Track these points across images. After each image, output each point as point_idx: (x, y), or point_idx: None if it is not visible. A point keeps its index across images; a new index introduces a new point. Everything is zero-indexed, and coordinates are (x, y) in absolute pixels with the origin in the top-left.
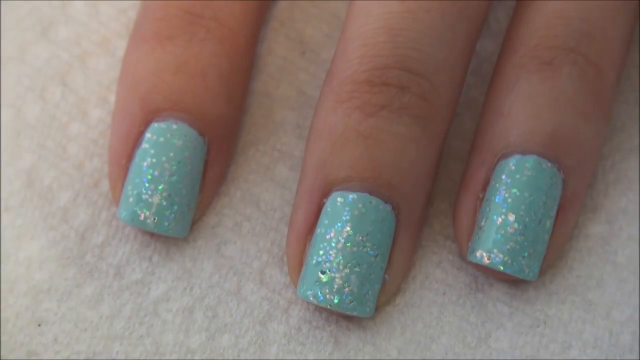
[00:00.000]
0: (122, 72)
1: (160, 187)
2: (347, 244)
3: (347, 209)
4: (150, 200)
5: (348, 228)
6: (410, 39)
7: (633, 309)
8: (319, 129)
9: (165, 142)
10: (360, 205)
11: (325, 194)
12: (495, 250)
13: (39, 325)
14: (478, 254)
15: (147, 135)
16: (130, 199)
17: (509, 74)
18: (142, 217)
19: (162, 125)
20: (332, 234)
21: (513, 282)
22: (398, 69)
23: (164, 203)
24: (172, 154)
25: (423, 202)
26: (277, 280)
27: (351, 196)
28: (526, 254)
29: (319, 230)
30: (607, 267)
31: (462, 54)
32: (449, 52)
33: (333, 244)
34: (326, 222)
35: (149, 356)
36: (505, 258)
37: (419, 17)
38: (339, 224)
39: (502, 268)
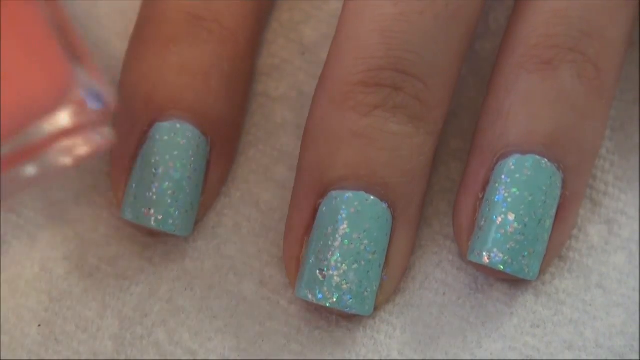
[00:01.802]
0: (123, 73)
1: (164, 185)
2: (345, 242)
3: (343, 207)
4: (154, 198)
5: (345, 226)
6: (404, 41)
7: (633, 309)
8: (313, 130)
9: (169, 141)
10: (356, 203)
11: (321, 194)
12: (495, 250)
13: (39, 325)
14: (478, 253)
15: (151, 134)
16: (135, 198)
17: (508, 74)
18: (146, 215)
19: (166, 124)
20: (329, 233)
21: (513, 282)
22: (392, 70)
23: (169, 201)
24: (176, 153)
25: (419, 200)
26: (277, 280)
27: (347, 195)
28: (526, 254)
29: (316, 230)
30: (607, 267)
31: (455, 55)
32: (442, 54)
33: (330, 243)
34: (323, 221)
35: (149, 356)
36: (505, 257)
37: (412, 19)
38: (335, 223)
39: (502, 267)
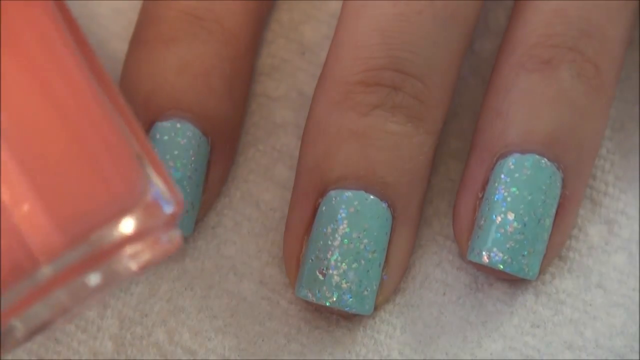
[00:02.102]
0: (124, 73)
1: None
2: (344, 241)
3: (343, 206)
4: None
5: (344, 225)
6: (403, 41)
7: (633, 309)
8: (313, 129)
9: (169, 141)
10: (356, 203)
11: (320, 193)
12: (495, 249)
13: None
14: (477, 253)
15: (151, 134)
16: None
17: (507, 74)
18: None
19: (166, 124)
20: (328, 233)
21: (513, 282)
22: (391, 70)
23: None
24: (176, 152)
25: (418, 200)
26: (277, 280)
27: (346, 194)
28: (526, 253)
29: (316, 229)
30: (607, 267)
31: (454, 54)
32: (441, 53)
33: (330, 242)
34: (322, 221)
35: (149, 357)
36: (505, 257)
37: (411, 19)
38: (335, 222)
39: (501, 267)
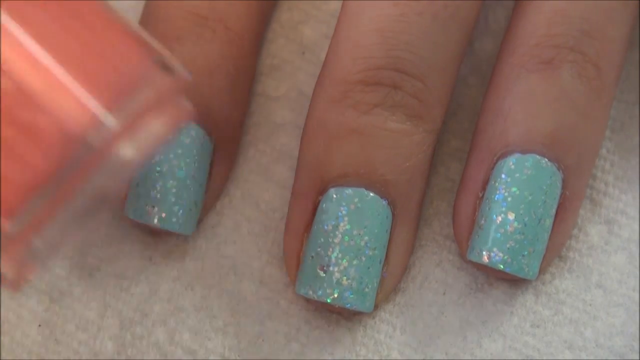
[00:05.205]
0: None
1: (168, 184)
2: (345, 238)
3: (343, 203)
4: (158, 196)
5: (345, 223)
6: (403, 41)
7: (633, 309)
8: (313, 128)
9: (173, 140)
10: (356, 200)
11: (320, 191)
12: (495, 249)
13: (39, 325)
14: (478, 252)
15: None
16: (139, 196)
17: (508, 74)
18: (150, 214)
19: None
20: (329, 230)
21: (513, 282)
22: (391, 69)
23: (172, 199)
24: (180, 151)
25: (418, 198)
26: (277, 280)
27: (347, 191)
28: (526, 253)
29: (316, 226)
30: (607, 267)
31: (453, 55)
32: (440, 54)
33: (330, 239)
34: (323, 218)
35: (149, 357)
36: (505, 257)
37: (411, 19)
38: (335, 219)
39: (501, 267)
